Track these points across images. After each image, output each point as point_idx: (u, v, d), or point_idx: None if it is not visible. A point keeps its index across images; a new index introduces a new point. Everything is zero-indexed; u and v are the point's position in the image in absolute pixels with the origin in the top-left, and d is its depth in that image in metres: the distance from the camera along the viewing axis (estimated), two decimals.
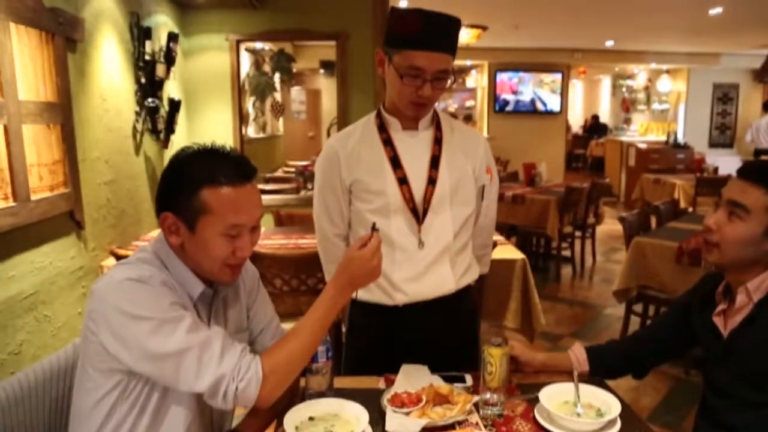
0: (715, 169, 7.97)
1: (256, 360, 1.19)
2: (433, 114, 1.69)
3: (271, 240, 3.41)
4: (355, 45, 4.49)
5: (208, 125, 4.53)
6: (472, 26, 7.07)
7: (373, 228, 1.42)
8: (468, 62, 10.59)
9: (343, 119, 4.65)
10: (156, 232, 3.58)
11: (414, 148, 1.66)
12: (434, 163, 1.65)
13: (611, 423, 1.38)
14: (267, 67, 5.15)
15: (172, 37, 3.85)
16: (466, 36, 7.16)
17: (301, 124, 8.89)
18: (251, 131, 5.42)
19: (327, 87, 9.51)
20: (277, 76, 5.18)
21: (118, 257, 2.66)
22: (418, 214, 1.63)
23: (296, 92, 8.63)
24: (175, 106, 3.87)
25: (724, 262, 1.48)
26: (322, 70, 9.18)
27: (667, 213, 4.47)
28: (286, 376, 1.23)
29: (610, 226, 7.64)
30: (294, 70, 5.04)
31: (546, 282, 5.73)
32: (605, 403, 1.46)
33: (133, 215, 3.47)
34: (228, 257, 1.24)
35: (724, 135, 10.54)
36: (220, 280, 1.31)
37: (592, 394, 1.49)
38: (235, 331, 1.38)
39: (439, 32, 1.50)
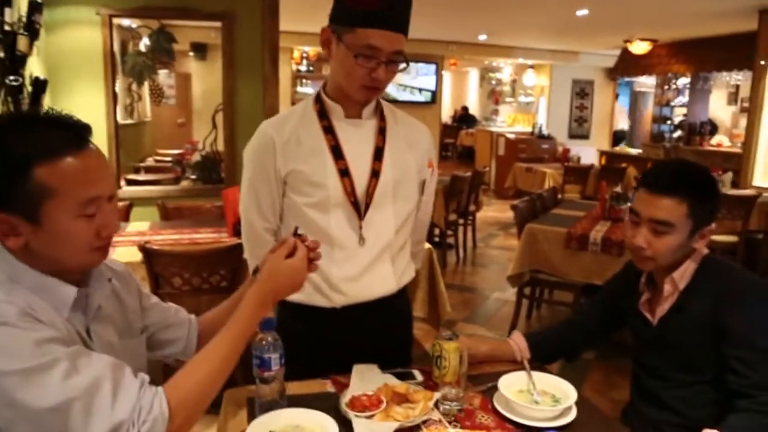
0: (578, 159, 8.59)
1: (159, 395, 0.97)
2: (376, 102, 1.58)
3: (162, 235, 3.14)
4: (243, 27, 4.27)
5: (77, 108, 3.98)
6: None
7: (295, 233, 1.27)
8: None
9: (230, 105, 4.41)
10: None
11: (357, 137, 1.54)
12: (377, 154, 1.54)
13: (568, 409, 1.38)
14: (143, 47, 4.73)
15: (35, 7, 3.39)
16: None
17: (169, 110, 8.31)
18: (119, 116, 4.97)
19: (198, 71, 8.98)
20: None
21: None
22: (360, 208, 1.52)
23: (165, 76, 8.08)
24: (40, 85, 3.42)
25: (660, 268, 1.55)
26: (192, 53, 8.67)
27: (549, 200, 4.71)
28: (197, 408, 1.03)
29: (484, 213, 7.98)
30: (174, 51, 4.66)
31: None
32: (558, 389, 1.46)
33: None
34: (92, 241, 1.01)
35: (581, 127, 11.40)
36: (89, 265, 1.08)
37: (544, 381, 1.49)
38: (121, 337, 1.17)
39: (397, 10, 1.39)
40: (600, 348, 3.67)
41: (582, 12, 6.59)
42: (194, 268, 2.63)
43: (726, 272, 1.52)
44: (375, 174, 1.53)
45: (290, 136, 1.51)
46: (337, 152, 1.51)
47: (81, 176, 0.96)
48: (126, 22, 4.37)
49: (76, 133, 0.98)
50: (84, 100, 4.10)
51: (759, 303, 1.45)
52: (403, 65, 1.46)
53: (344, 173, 1.51)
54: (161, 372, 2.74)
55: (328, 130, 1.52)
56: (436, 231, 5.98)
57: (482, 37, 9.31)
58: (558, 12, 6.79)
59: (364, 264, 1.56)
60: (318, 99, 1.56)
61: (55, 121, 0.98)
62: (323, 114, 1.54)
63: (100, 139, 4.07)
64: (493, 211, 8.85)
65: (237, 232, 3.00)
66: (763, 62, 6.11)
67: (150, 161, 5.77)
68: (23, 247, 0.97)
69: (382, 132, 1.57)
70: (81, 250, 1.00)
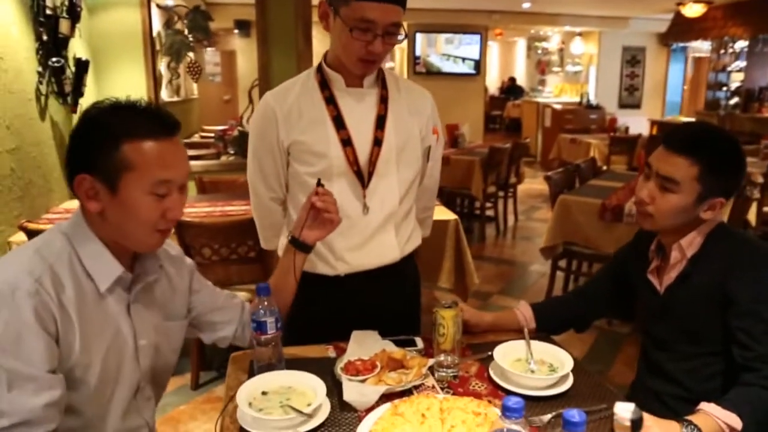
0: (626, 129, 8.32)
1: None
2: (378, 71, 1.59)
3: (195, 208, 3.25)
4: (275, 2, 4.29)
5: (120, 87, 4.21)
6: None
7: (318, 184, 1.40)
8: None
9: (265, 81, 4.46)
10: (68, 204, 3.34)
11: (358, 107, 1.56)
12: (380, 123, 1.56)
13: (564, 378, 1.39)
14: (180, 26, 4.84)
15: None
16: None
17: (216, 87, 8.49)
18: (165, 94, 5.12)
19: (242, 48, 9.10)
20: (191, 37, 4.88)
21: (29, 232, 2.45)
22: (363, 177, 1.56)
23: (210, 54, 8.22)
24: (82, 66, 3.57)
25: (658, 228, 1.52)
26: (236, 30, 8.77)
27: (587, 171, 4.61)
28: None
29: (528, 185, 7.87)
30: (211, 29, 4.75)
31: (471, 242, 5.79)
32: (556, 358, 1.47)
33: (41, 186, 3.20)
34: (158, 221, 1.13)
35: (632, 96, 11.00)
36: (147, 247, 1.20)
37: (543, 350, 1.50)
38: (164, 318, 1.29)
39: None
40: (635, 321, 3.61)
41: None
42: (222, 239, 2.73)
43: (736, 241, 1.48)
44: (377, 142, 1.56)
45: (292, 106, 1.55)
46: (338, 122, 1.54)
47: (158, 158, 1.10)
48: (165, 2, 4.48)
49: (165, 124, 1.12)
50: (126, 80, 4.23)
51: (766, 274, 1.41)
52: (401, 37, 1.47)
53: (346, 143, 1.53)
54: (195, 347, 2.89)
55: (330, 101, 1.55)
56: (476, 203, 5.95)
57: (526, 5, 9.06)
58: None
59: (368, 233, 1.59)
60: (319, 69, 1.58)
61: (149, 111, 1.13)
62: (324, 84, 1.56)
63: None
64: (538, 183, 8.68)
65: None
66: None
67: (196, 137, 5.93)
68: (100, 212, 1.11)
69: (384, 100, 1.58)
70: (146, 226, 1.12)
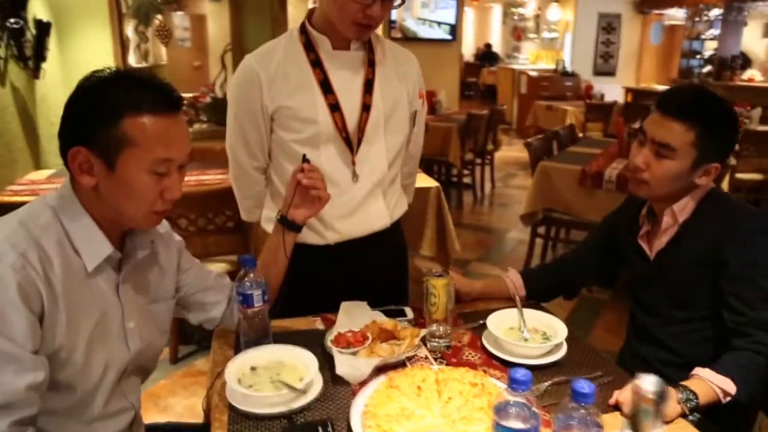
0: (602, 96, 8.33)
1: None
2: None
3: None
4: None
5: (85, 52, 4.04)
6: None
7: (304, 160, 1.34)
8: None
9: (238, 46, 4.34)
10: (34, 175, 3.20)
11: (346, 70, 1.49)
12: (368, 87, 1.49)
13: (558, 346, 1.37)
14: None
15: None
16: None
17: (185, 53, 8.21)
18: (132, 60, 4.93)
19: (213, 12, 8.82)
20: None
21: None
22: (352, 144, 1.49)
23: (179, 18, 7.95)
24: (43, 28, 3.38)
25: (653, 196, 1.49)
26: None
27: (566, 138, 4.59)
28: None
29: (504, 152, 7.86)
30: None
31: (449, 209, 5.81)
32: (549, 326, 1.45)
33: (4, 156, 3.05)
34: (155, 201, 1.07)
35: (607, 63, 10.98)
36: (142, 225, 1.13)
37: (535, 318, 1.48)
38: (152, 300, 1.23)
39: None
40: (615, 288, 3.64)
41: None
42: (199, 209, 2.65)
43: (729, 207, 1.46)
44: (366, 108, 1.49)
45: (276, 70, 1.46)
46: (326, 86, 1.47)
47: (161, 136, 1.03)
48: None
49: (169, 99, 1.05)
50: (92, 44, 4.05)
51: (760, 238, 1.39)
52: (398, 1, 1.40)
53: (334, 108, 1.47)
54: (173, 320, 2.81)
55: (316, 64, 1.47)
56: (454, 171, 5.92)
57: None
58: None
59: (358, 200, 1.54)
60: (303, 30, 1.50)
61: (154, 83, 1.05)
62: (310, 46, 1.48)
63: None
64: (514, 150, 8.69)
65: None
66: None
67: None
68: (93, 187, 1.04)
69: (371, 64, 1.51)
70: (143, 204, 1.06)
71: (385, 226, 1.60)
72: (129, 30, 4.48)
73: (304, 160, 1.34)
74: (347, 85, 1.48)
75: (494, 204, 6.16)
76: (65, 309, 1.02)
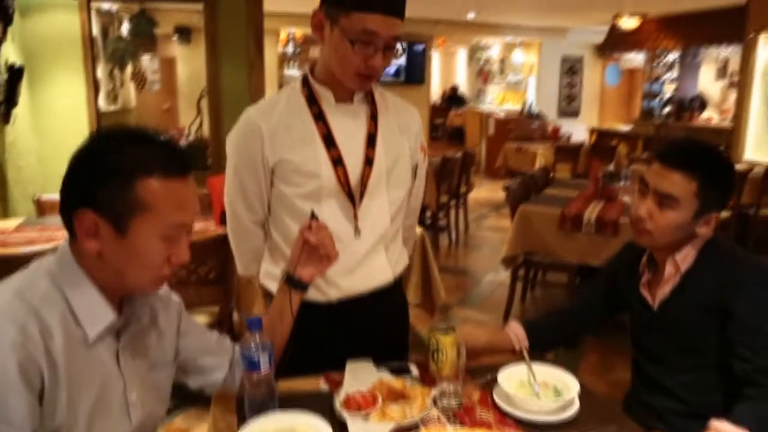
0: (569, 137, 8.53)
1: None
2: None
3: None
4: (226, 8, 4.14)
5: (57, 97, 3.96)
6: None
7: (312, 217, 1.31)
8: None
9: (215, 91, 4.31)
10: (3, 224, 3.07)
11: (349, 124, 1.47)
12: (370, 141, 1.47)
13: (570, 401, 1.34)
14: (122, 31, 4.60)
15: None
16: None
17: (154, 96, 8.16)
18: (101, 103, 4.86)
19: (183, 55, 8.82)
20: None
21: None
22: (354, 198, 1.46)
23: (148, 61, 7.92)
24: (16, 73, 3.32)
25: (656, 246, 1.50)
26: (176, 37, 8.49)
27: (541, 180, 4.66)
28: None
29: (475, 193, 7.93)
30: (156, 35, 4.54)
31: None
32: (559, 380, 1.42)
33: None
34: (162, 266, 1.02)
35: (571, 105, 11.31)
36: (145, 290, 1.08)
37: (545, 372, 1.45)
38: (151, 367, 1.16)
39: None
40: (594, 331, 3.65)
41: None
42: None
43: (730, 255, 1.48)
44: (369, 161, 1.47)
45: (278, 123, 1.44)
46: (329, 140, 1.44)
47: (177, 200, 1.00)
48: (105, 5, 4.25)
49: (182, 161, 1.02)
50: (63, 88, 3.98)
51: (764, 287, 1.41)
52: (399, 51, 1.39)
53: (337, 162, 1.44)
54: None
55: (319, 117, 1.45)
56: (428, 213, 5.93)
57: (471, 15, 9.17)
58: None
59: (360, 255, 1.50)
60: (306, 83, 1.48)
61: (166, 145, 1.03)
62: (312, 99, 1.46)
63: (82, 126, 3.96)
64: (485, 191, 8.80)
65: (224, 221, 2.92)
66: (752, 35, 6.05)
67: None
68: (97, 253, 0.99)
69: (373, 117, 1.50)
70: (149, 270, 1.02)
71: (388, 282, 1.56)
72: (100, 73, 4.42)
73: (313, 216, 1.31)
74: (350, 139, 1.46)
75: (469, 246, 6.18)
76: (66, 385, 0.95)
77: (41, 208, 3.23)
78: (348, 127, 1.47)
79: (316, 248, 1.31)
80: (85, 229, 0.98)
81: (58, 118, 3.86)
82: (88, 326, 1.00)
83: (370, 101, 1.51)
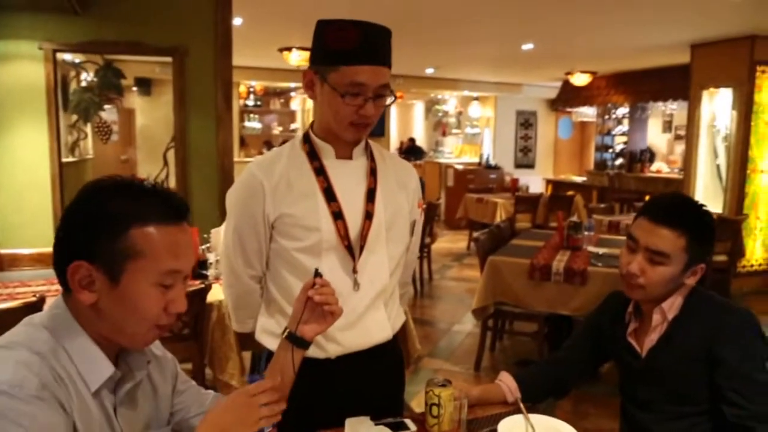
0: (527, 188, 8.75)
1: None
2: (365, 143, 1.54)
3: None
4: (194, 62, 4.16)
5: (19, 146, 3.87)
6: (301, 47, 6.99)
7: (316, 274, 1.30)
8: (292, 84, 10.53)
9: (182, 142, 4.28)
10: None
11: (349, 179, 1.49)
12: (370, 195, 1.49)
13: None
14: (85, 83, 4.55)
15: None
16: (296, 59, 7.07)
17: (112, 147, 8.05)
18: (62, 154, 4.76)
19: (143, 106, 8.78)
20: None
21: None
22: (354, 252, 1.46)
23: (108, 112, 7.84)
24: None
25: (648, 299, 1.54)
26: (136, 88, 8.44)
27: (506, 231, 4.74)
28: None
29: (437, 244, 7.99)
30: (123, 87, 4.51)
31: None
32: (557, 430, 1.42)
33: None
34: (159, 315, 1.00)
35: (527, 156, 11.68)
36: (141, 344, 1.05)
37: (543, 424, 1.45)
38: (145, 427, 1.12)
39: (378, 43, 1.37)
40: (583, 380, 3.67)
41: (527, 46, 6.79)
42: None
43: (715, 303, 1.53)
44: (368, 216, 1.48)
45: (280, 178, 1.45)
46: (329, 194, 1.45)
47: (170, 246, 0.99)
48: (68, 56, 4.21)
49: (177, 208, 1.02)
50: (26, 138, 3.89)
51: (749, 335, 1.46)
52: (390, 99, 1.43)
53: (338, 216, 1.45)
54: None
55: (320, 172, 1.47)
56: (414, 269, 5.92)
57: (429, 71, 9.46)
58: (504, 46, 6.97)
59: (360, 311, 1.49)
60: (306, 139, 1.50)
61: (159, 193, 1.02)
62: (313, 155, 1.48)
63: (43, 178, 3.86)
64: (446, 242, 8.88)
65: (196, 276, 2.87)
66: (698, 90, 6.42)
67: None
68: (92, 305, 0.98)
69: (373, 173, 1.52)
70: (146, 320, 1.00)
71: (387, 338, 1.55)
72: (62, 124, 4.34)
73: (317, 274, 1.29)
74: (350, 193, 1.47)
75: (434, 297, 6.18)
76: (82, 429, 0.94)
77: (0, 262, 3.10)
78: (348, 181, 1.48)
79: (318, 305, 1.29)
80: (79, 280, 0.97)
81: (20, 168, 3.75)
82: (89, 378, 0.98)
83: (370, 157, 1.54)
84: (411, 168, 1.67)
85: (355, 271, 1.47)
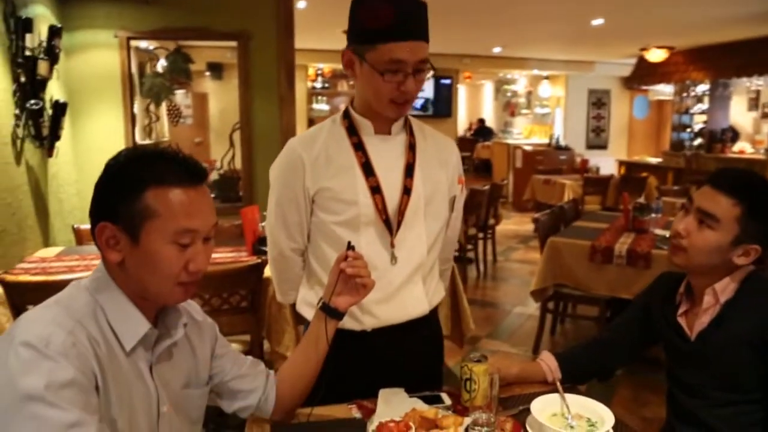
0: (597, 170, 8.48)
1: None
2: (405, 118, 1.55)
3: None
4: (258, 45, 4.27)
5: (96, 131, 4.10)
6: None
7: (349, 247, 1.34)
8: None
9: (247, 124, 4.42)
10: (43, 252, 3.17)
11: (387, 154, 1.51)
12: (409, 171, 1.50)
13: None
14: (158, 68, 4.76)
15: (55, 31, 3.43)
16: None
17: (187, 130, 8.37)
18: (138, 137, 5.01)
19: (215, 90, 9.06)
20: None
21: (6, 285, 2.29)
22: (391, 226, 1.49)
23: (182, 96, 8.16)
24: (60, 108, 3.45)
25: (689, 265, 1.49)
26: (208, 73, 8.74)
27: (570, 213, 4.63)
28: None
29: (503, 226, 7.90)
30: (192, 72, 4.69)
31: None
32: (594, 412, 1.40)
33: (15, 234, 3.04)
34: (179, 273, 1.06)
35: (599, 137, 11.29)
36: (169, 299, 1.11)
37: (578, 403, 1.43)
38: (184, 386, 1.19)
39: (414, 18, 1.37)
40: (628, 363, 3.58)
41: (597, 21, 6.54)
42: (213, 288, 2.60)
43: None
44: (407, 191, 1.50)
45: (319, 153, 1.49)
46: (367, 169, 1.48)
47: (183, 207, 1.04)
48: (143, 44, 4.41)
49: (192, 171, 1.07)
50: (103, 123, 4.12)
51: None
52: (430, 73, 1.43)
53: (375, 190, 1.47)
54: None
55: (359, 147, 1.49)
56: (456, 245, 5.91)
57: (497, 50, 9.28)
58: (573, 22, 6.75)
59: (396, 285, 1.52)
60: (346, 115, 1.53)
61: (177, 157, 1.07)
62: (352, 130, 1.51)
63: None
64: (513, 224, 8.76)
65: (256, 251, 2.98)
66: None
67: None
68: (120, 263, 1.05)
69: (412, 148, 1.53)
70: (167, 278, 1.05)
71: (424, 313, 1.57)
72: (136, 108, 4.57)
73: (349, 247, 1.33)
74: (388, 168, 1.49)
75: (497, 279, 6.13)
76: (114, 391, 1.01)
77: (79, 237, 3.33)
78: (386, 156, 1.50)
79: (351, 277, 1.33)
80: (105, 240, 1.04)
81: (97, 152, 3.99)
82: (124, 337, 1.05)
83: (409, 132, 1.55)
84: (452, 143, 1.66)
85: (392, 245, 1.49)
